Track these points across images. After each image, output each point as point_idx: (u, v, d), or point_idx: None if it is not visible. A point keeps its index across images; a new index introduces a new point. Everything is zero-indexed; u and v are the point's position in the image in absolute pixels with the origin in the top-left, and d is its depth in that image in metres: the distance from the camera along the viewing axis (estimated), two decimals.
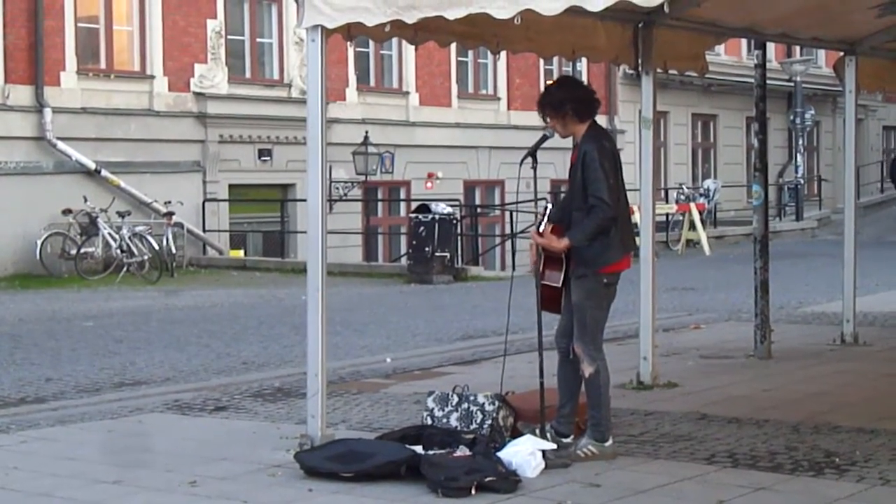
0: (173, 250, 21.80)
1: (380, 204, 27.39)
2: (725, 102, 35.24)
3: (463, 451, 6.53)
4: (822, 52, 31.80)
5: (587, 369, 6.73)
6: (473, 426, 6.96)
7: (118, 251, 21.09)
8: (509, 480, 6.13)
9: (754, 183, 10.58)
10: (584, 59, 22.25)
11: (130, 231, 21.19)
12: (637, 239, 7.75)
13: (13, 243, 20.80)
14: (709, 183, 32.25)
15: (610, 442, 6.77)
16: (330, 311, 7.12)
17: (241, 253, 24.12)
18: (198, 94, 23.54)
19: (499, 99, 29.55)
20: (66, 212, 21.15)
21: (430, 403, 7.21)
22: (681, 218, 28.56)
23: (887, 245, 26.93)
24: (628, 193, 6.93)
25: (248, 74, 24.93)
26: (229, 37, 24.34)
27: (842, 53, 11.16)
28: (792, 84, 33.38)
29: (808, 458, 6.69)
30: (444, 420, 7.08)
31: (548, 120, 6.89)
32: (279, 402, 8.84)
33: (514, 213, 24.22)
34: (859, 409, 8.12)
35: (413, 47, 9.31)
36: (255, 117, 24.20)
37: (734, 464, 6.61)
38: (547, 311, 6.91)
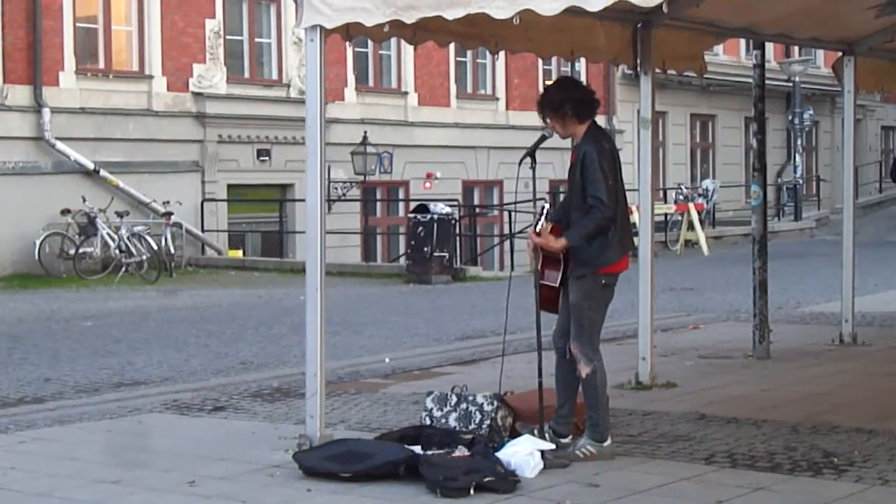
0: (172, 250, 21.80)
1: (378, 204, 27.40)
2: (724, 102, 35.25)
3: (462, 452, 6.54)
4: (820, 53, 31.81)
5: (584, 369, 6.74)
6: (472, 426, 6.96)
7: (117, 251, 21.09)
8: (508, 480, 6.13)
9: (753, 183, 10.57)
10: (582, 60, 22.35)
11: (129, 231, 21.20)
12: (635, 239, 7.75)
13: (12, 243, 20.80)
14: (707, 183, 32.25)
15: (608, 442, 6.77)
16: (329, 311, 7.12)
17: (239, 253, 24.11)
18: (196, 94, 23.53)
19: (497, 99, 29.55)
20: (65, 212, 21.15)
21: (429, 403, 7.21)
22: (679, 218, 28.56)
23: (886, 245, 26.93)
24: (627, 193, 6.93)
25: (246, 74, 24.92)
26: (228, 37, 24.34)
27: (840, 54, 11.17)
28: (790, 84, 33.38)
29: (806, 458, 6.69)
30: (443, 420, 7.08)
31: (548, 121, 6.90)
32: (278, 402, 8.84)
33: (513, 214, 24.23)
34: (858, 410, 8.12)
35: (412, 47, 9.33)
36: (253, 117, 24.20)
37: (733, 464, 6.61)
38: (545, 311, 6.91)
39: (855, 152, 11.68)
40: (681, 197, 29.66)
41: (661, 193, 30.67)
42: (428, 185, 27.43)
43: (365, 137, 25.08)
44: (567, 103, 6.81)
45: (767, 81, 10.75)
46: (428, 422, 7.13)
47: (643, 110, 9.30)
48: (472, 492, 5.98)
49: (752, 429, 7.48)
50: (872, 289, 16.18)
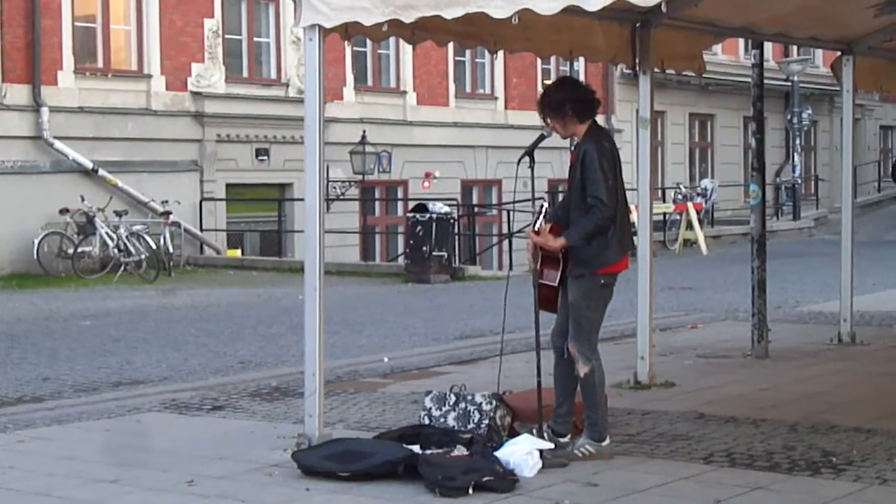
0: (170, 249, 21.81)
1: (377, 203, 27.40)
2: (723, 102, 35.26)
3: (460, 451, 6.54)
4: (819, 52, 31.82)
5: (582, 369, 6.74)
6: (471, 426, 6.96)
7: (115, 250, 21.09)
8: (507, 480, 6.13)
9: (751, 182, 10.57)
10: (581, 59, 22.35)
11: (128, 230, 21.20)
12: (634, 238, 7.75)
13: (10, 243, 20.79)
14: (706, 182, 32.26)
15: (607, 441, 6.77)
16: (327, 310, 7.11)
17: (238, 252, 24.12)
18: (195, 94, 23.53)
19: (496, 98, 29.55)
20: (64, 211, 21.14)
21: (428, 403, 7.21)
22: (678, 217, 28.57)
23: (884, 244, 26.96)
24: (626, 193, 6.93)
25: (245, 74, 24.92)
26: (227, 36, 24.34)
27: (839, 53, 11.17)
28: (789, 84, 33.38)
29: (805, 457, 6.69)
30: (442, 419, 7.08)
31: (548, 121, 6.89)
32: (276, 402, 8.83)
33: (512, 213, 24.22)
34: (856, 409, 8.12)
35: (410, 47, 9.33)
36: (252, 116, 24.20)
37: (731, 463, 6.61)
38: (544, 311, 6.91)
39: (853, 152, 11.67)
40: (679, 196, 29.67)
41: (660, 193, 30.67)
42: (426, 184, 27.43)
43: (364, 137, 25.09)
44: (567, 103, 6.80)
45: (766, 81, 10.75)
46: (426, 421, 7.13)
47: (642, 110, 9.30)
48: (470, 491, 5.98)
49: (751, 428, 7.48)
50: (871, 288, 16.18)
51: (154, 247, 21.12)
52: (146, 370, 10.80)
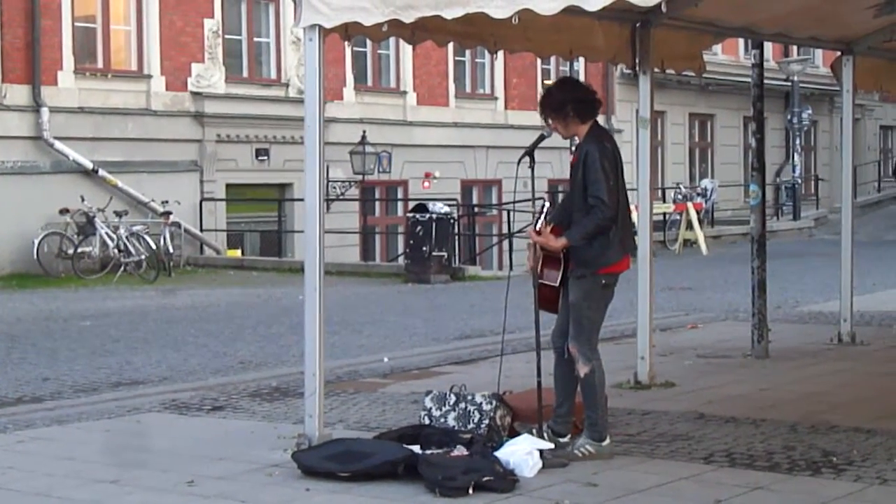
0: (170, 250, 21.80)
1: (377, 203, 27.39)
2: (723, 102, 35.26)
3: (460, 451, 6.53)
4: (819, 52, 31.82)
5: (582, 369, 6.73)
6: (471, 426, 6.96)
7: (115, 251, 21.09)
8: (507, 480, 6.12)
9: (751, 182, 10.57)
10: (581, 59, 22.33)
11: (128, 230, 21.20)
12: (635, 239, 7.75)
13: (10, 243, 20.79)
14: (706, 182, 32.26)
15: (607, 441, 6.77)
16: (327, 310, 7.11)
17: (238, 252, 24.12)
18: (195, 94, 23.53)
19: (496, 98, 29.55)
20: (64, 211, 21.14)
21: (428, 403, 7.21)
22: (678, 217, 28.57)
23: (884, 244, 26.96)
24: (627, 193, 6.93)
25: (245, 74, 24.92)
26: (226, 36, 24.34)
27: (839, 53, 11.17)
28: (789, 84, 33.38)
29: (805, 457, 6.69)
30: (442, 420, 7.08)
31: (550, 121, 6.89)
32: (276, 402, 8.83)
33: (512, 213, 24.22)
34: (856, 409, 8.12)
35: (410, 47, 9.32)
36: (252, 117, 24.20)
37: (731, 463, 6.61)
38: (544, 311, 6.91)
39: (853, 152, 11.67)
40: (679, 196, 29.67)
41: (660, 193, 30.68)
42: (426, 184, 27.43)
43: (364, 137, 25.08)
44: (568, 103, 6.80)
45: (766, 81, 10.75)
46: (427, 421, 7.13)
47: (642, 110, 9.30)
48: (470, 491, 5.98)
49: (751, 428, 7.48)
50: (871, 288, 16.18)
51: (154, 247, 21.11)
52: (146, 370, 10.80)
